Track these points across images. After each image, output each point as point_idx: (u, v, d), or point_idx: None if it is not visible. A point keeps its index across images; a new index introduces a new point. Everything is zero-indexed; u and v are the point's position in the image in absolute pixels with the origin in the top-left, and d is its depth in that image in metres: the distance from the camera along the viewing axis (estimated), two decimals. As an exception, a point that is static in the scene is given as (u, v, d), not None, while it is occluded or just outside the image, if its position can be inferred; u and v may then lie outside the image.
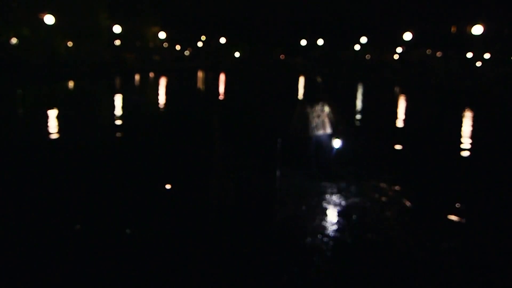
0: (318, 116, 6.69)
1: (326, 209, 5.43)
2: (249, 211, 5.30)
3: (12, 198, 5.64)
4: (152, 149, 8.78)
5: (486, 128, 13.40)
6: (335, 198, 5.81)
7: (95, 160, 7.77)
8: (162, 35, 52.85)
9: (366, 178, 6.70)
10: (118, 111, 15.53)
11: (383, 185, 6.41)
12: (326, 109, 6.73)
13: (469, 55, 39.80)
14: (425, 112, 17.36)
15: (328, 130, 6.74)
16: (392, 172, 7.16)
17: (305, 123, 6.71)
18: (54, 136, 10.08)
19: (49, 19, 31.28)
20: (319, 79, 7.24)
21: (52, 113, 13.63)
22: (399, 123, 14.20)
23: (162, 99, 20.44)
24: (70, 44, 38.48)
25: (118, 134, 10.66)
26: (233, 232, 4.70)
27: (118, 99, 19.10)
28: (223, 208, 5.37)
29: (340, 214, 5.30)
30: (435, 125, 13.80)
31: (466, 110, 17.41)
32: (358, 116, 15.53)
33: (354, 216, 5.18)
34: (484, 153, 9.42)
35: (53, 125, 11.68)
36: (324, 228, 4.83)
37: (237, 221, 4.98)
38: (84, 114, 14.25)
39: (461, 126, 13.47)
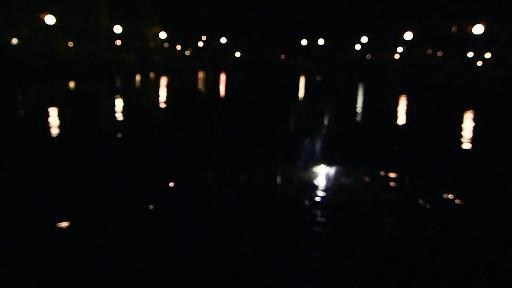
0: (316, 114, 6.77)
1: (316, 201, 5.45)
2: (250, 205, 5.32)
3: (14, 199, 5.63)
4: (154, 148, 8.78)
5: (486, 128, 13.38)
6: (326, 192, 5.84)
7: (96, 160, 7.76)
8: (162, 35, 52.82)
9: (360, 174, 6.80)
10: (119, 111, 15.53)
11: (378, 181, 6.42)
12: (324, 107, 6.81)
13: (470, 54, 39.74)
14: (425, 112, 17.34)
15: (325, 128, 6.84)
16: (386, 168, 7.16)
17: (303, 120, 6.81)
18: (56, 137, 10.07)
19: (50, 20, 31.29)
20: (318, 78, 7.37)
21: (53, 114, 13.62)
22: (398, 122, 14.18)
23: (163, 99, 20.44)
24: (70, 44, 38.48)
25: (120, 135, 10.65)
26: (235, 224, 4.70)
27: (119, 100, 19.10)
28: (226, 202, 5.38)
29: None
30: (434, 124, 13.78)
31: (466, 109, 17.38)
32: (356, 116, 15.51)
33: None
34: (483, 153, 9.40)
35: (54, 126, 11.67)
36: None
37: (238, 215, 5.00)
38: (86, 115, 14.24)
39: (461, 126, 13.45)
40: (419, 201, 5.82)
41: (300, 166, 6.97)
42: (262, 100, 19.85)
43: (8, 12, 29.53)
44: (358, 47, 57.88)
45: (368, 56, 57.33)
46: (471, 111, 17.09)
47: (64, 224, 4.80)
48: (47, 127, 11.17)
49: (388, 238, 4.68)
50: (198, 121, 12.72)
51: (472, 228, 5.05)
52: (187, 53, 66.87)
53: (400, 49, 50.27)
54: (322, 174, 6.79)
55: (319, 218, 5.13)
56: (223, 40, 69.12)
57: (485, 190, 6.53)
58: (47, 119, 12.57)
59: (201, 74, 43.75)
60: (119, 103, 17.91)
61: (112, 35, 41.61)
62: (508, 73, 26.96)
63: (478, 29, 32.38)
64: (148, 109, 16.36)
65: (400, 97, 24.59)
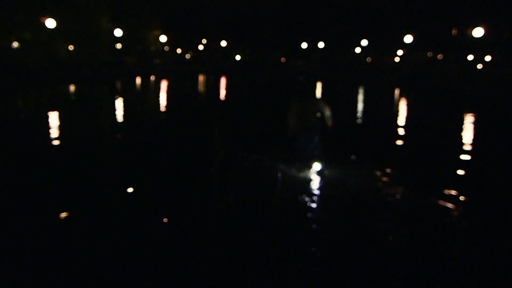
0: (308, 113, 6.83)
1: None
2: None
3: (15, 200, 5.63)
4: (155, 150, 8.77)
5: (486, 130, 13.37)
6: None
7: (97, 162, 7.75)
8: (163, 38, 52.92)
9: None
10: (120, 114, 15.53)
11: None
12: (315, 105, 6.89)
13: (470, 57, 39.78)
14: (425, 114, 17.33)
15: (317, 126, 6.90)
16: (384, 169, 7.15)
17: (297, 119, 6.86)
18: (56, 140, 10.07)
19: (51, 23, 31.37)
20: (301, 78, 7.48)
21: (54, 117, 13.63)
22: (397, 124, 14.18)
23: (163, 102, 20.46)
24: (71, 47, 38.55)
25: (121, 137, 10.65)
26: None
27: (119, 102, 19.11)
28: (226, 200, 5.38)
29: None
30: (432, 126, 13.78)
31: (467, 112, 17.37)
32: (356, 118, 15.51)
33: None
34: (484, 155, 9.39)
35: (54, 129, 11.66)
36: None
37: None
38: (86, 117, 14.25)
39: (461, 128, 13.44)
40: (416, 200, 5.82)
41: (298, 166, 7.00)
42: (261, 103, 19.88)
43: (9, 15, 29.59)
44: (358, 50, 58.02)
45: (368, 59, 57.41)
46: (471, 114, 17.08)
47: (64, 218, 4.80)
48: (47, 129, 11.17)
49: (387, 237, 4.67)
50: (198, 124, 12.72)
51: (469, 228, 5.04)
52: (188, 56, 67.00)
53: (400, 52, 50.32)
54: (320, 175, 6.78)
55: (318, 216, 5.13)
56: (224, 43, 69.29)
57: (485, 191, 6.51)
58: (48, 121, 12.57)
59: (201, 78, 43.81)
60: (119, 106, 17.92)
61: (112, 38, 41.67)
62: (508, 75, 26.97)
63: (478, 32, 32.41)
64: (148, 112, 16.37)
65: (399, 100, 24.60)
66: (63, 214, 5.15)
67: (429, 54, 49.26)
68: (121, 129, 11.97)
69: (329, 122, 6.86)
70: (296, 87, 7.36)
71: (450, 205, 5.65)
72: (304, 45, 68.05)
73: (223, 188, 5.62)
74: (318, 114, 6.87)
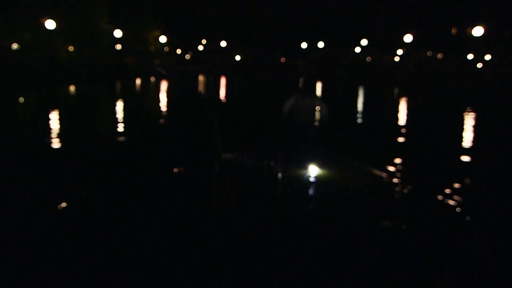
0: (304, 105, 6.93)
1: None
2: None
3: (16, 200, 5.64)
4: (155, 150, 8.78)
5: (486, 129, 13.37)
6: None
7: (98, 165, 7.75)
8: (162, 39, 52.90)
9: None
10: (121, 115, 15.53)
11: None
12: (311, 99, 6.98)
13: (470, 56, 39.75)
14: (425, 113, 17.34)
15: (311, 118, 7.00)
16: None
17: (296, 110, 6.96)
18: (56, 139, 10.08)
19: (50, 24, 31.38)
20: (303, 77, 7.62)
21: (54, 117, 13.64)
22: (397, 122, 14.17)
23: (164, 103, 20.47)
24: (71, 48, 38.55)
25: (122, 139, 10.65)
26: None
27: (120, 104, 19.11)
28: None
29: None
30: (432, 124, 13.79)
31: (466, 111, 17.37)
32: (355, 117, 15.51)
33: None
34: (484, 153, 9.38)
35: (54, 129, 11.66)
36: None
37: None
38: (87, 119, 14.24)
39: (461, 127, 13.44)
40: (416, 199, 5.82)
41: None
42: (261, 104, 19.89)
43: (9, 17, 29.60)
44: (358, 49, 58.00)
45: (368, 59, 57.39)
46: (471, 112, 17.08)
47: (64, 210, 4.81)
48: (47, 129, 11.17)
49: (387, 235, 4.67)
50: (198, 124, 12.72)
51: (469, 228, 5.04)
52: (187, 56, 66.96)
53: (400, 52, 50.29)
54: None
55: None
56: (223, 43, 69.26)
57: (485, 190, 6.52)
58: (48, 122, 12.57)
59: (201, 78, 43.82)
60: (120, 108, 17.92)
61: (112, 39, 41.67)
62: (508, 74, 26.97)
63: (477, 31, 32.40)
64: (149, 113, 16.37)
65: (399, 99, 24.60)
66: (63, 210, 5.15)
67: (429, 53, 49.22)
68: (120, 129, 11.95)
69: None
70: (296, 85, 7.46)
71: (451, 203, 5.65)
72: (304, 45, 68.00)
73: (223, 189, 5.63)
74: (315, 110, 6.98)
